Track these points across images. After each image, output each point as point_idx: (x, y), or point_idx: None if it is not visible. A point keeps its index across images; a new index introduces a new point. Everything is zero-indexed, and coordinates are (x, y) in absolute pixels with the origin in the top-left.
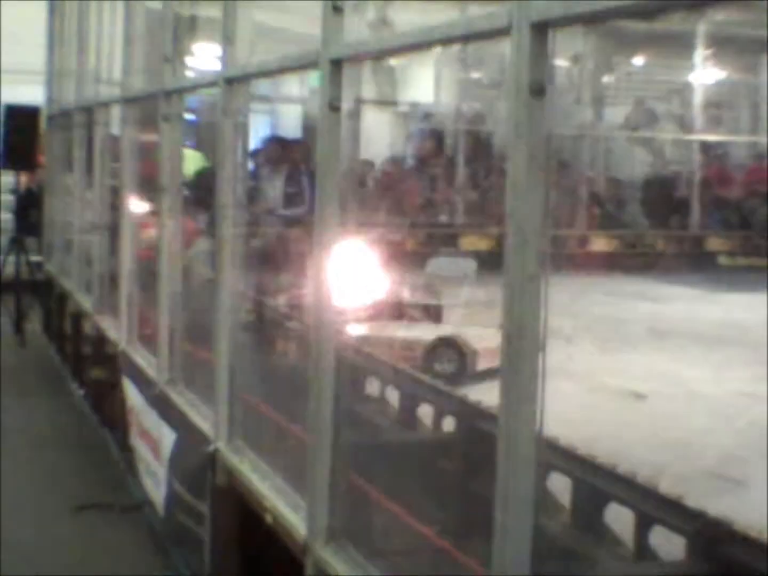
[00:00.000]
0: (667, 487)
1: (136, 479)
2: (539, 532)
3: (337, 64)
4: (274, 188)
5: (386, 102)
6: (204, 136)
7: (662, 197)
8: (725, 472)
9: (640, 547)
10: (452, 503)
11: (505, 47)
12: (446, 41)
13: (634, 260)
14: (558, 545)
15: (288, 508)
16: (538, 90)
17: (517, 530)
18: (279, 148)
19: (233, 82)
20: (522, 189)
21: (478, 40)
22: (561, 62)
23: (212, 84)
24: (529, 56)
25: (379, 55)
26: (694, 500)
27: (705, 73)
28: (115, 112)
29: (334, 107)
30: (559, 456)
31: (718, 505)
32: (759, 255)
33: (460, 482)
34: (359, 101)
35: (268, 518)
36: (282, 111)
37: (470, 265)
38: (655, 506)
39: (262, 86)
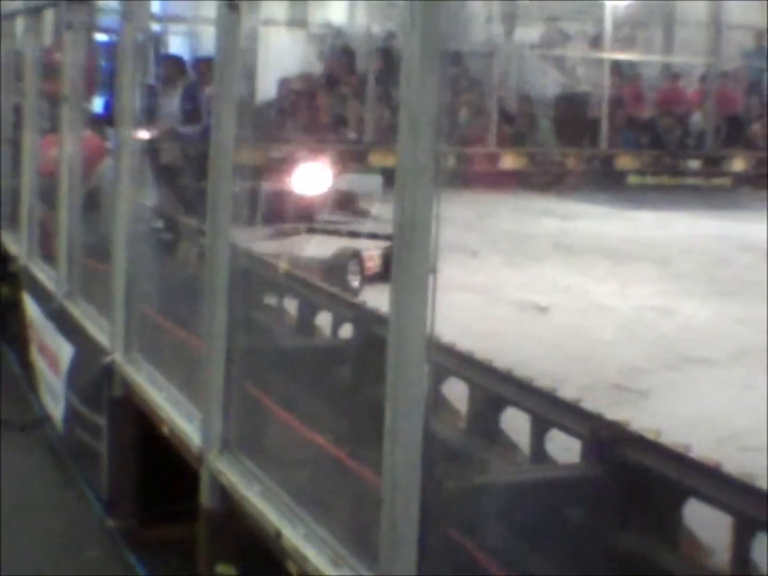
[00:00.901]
0: (568, 398)
1: (37, 396)
2: (432, 437)
3: None
4: (171, 106)
5: (298, 23)
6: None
7: (574, 116)
8: (628, 384)
9: (535, 451)
10: (348, 410)
11: None
12: None
13: (543, 178)
14: (451, 450)
15: (183, 419)
16: None
17: (406, 434)
18: (174, 67)
19: None
20: (416, 77)
21: None
22: None
23: None
24: None
25: None
26: (595, 409)
27: None
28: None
29: (232, 5)
30: (455, 361)
31: (619, 415)
32: (669, 174)
33: (356, 389)
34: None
35: (165, 429)
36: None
37: (377, 181)
38: (552, 409)
39: (180, 6)
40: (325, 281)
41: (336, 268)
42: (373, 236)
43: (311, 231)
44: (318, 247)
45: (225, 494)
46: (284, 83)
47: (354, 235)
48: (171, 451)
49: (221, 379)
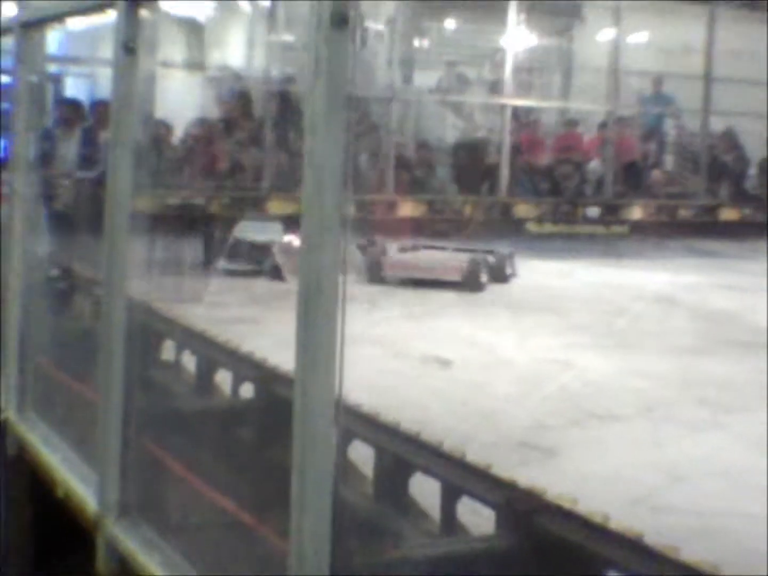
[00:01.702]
0: (474, 456)
1: None
2: (342, 507)
3: (132, 3)
4: (69, 150)
5: (195, 65)
6: None
7: (472, 162)
8: (533, 441)
9: (447, 519)
10: (254, 473)
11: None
12: None
13: (442, 225)
14: (360, 518)
15: (79, 482)
16: (341, 21)
17: (315, 503)
18: (72, 110)
19: (29, 27)
20: (321, 127)
21: None
22: (373, 25)
23: (7, 30)
24: None
25: None
26: (502, 470)
27: (517, 38)
28: None
29: (129, 49)
30: (360, 423)
31: (527, 475)
32: (567, 222)
33: (262, 450)
34: (164, 64)
35: (60, 492)
36: (102, 74)
37: (277, 228)
38: (463, 476)
39: (78, 49)
40: (463, 279)
41: (471, 271)
42: (467, 251)
43: (427, 248)
44: (446, 257)
45: (123, 562)
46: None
47: (458, 250)
48: (66, 516)
49: (118, 440)
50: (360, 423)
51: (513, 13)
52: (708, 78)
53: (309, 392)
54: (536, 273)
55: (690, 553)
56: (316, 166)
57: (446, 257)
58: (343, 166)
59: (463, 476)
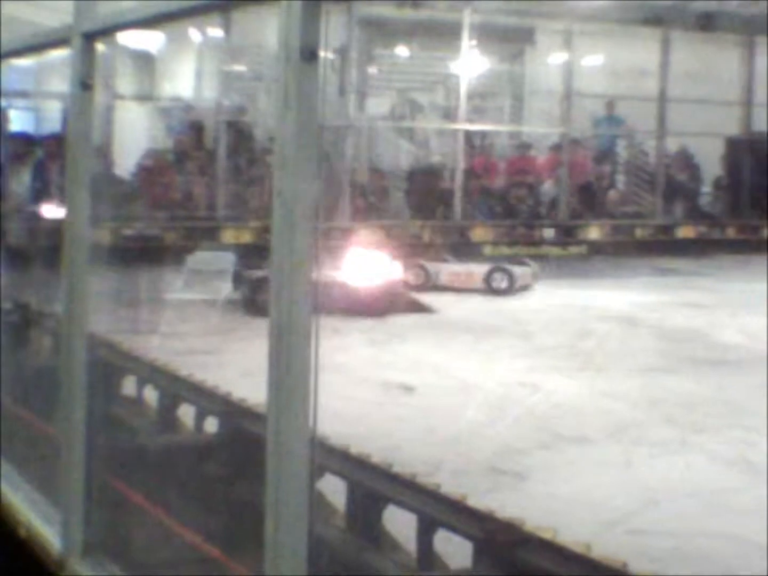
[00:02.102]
0: (445, 484)
1: None
2: (317, 544)
3: (89, 39)
4: (20, 184)
5: (146, 97)
6: None
7: (427, 188)
8: (503, 466)
9: (423, 553)
10: (222, 508)
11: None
12: (202, 10)
13: (399, 251)
14: (334, 553)
15: (42, 521)
16: (310, 55)
17: (290, 542)
18: (23, 144)
19: None
20: (291, 165)
21: (243, 4)
22: (324, 54)
23: None
24: (301, 19)
25: (134, 26)
26: (473, 497)
27: (469, 64)
28: None
29: (86, 85)
30: (331, 456)
31: (499, 501)
32: (523, 244)
33: (231, 485)
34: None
35: (22, 532)
36: (48, 107)
37: (230, 258)
38: (438, 508)
39: (23, 82)
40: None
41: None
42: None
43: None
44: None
45: None
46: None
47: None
48: (30, 556)
49: (81, 478)
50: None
51: (465, 39)
52: (662, 99)
53: (283, 430)
54: (496, 295)
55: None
56: (287, 199)
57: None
58: (313, 200)
59: (439, 508)
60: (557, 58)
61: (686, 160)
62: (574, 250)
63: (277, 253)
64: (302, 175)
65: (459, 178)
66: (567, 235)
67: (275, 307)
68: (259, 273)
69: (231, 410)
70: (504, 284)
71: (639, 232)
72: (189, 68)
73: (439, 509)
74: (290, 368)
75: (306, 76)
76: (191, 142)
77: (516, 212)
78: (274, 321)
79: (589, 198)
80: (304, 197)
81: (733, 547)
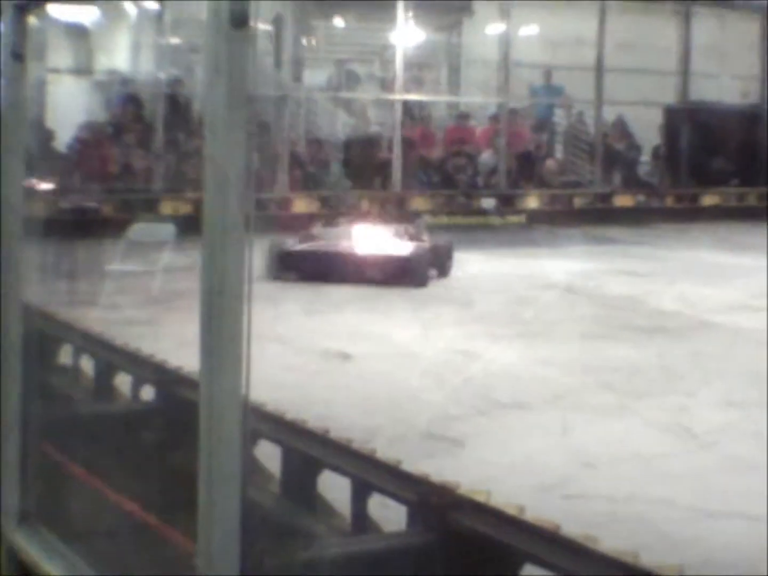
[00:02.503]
0: (382, 450)
1: None
2: (251, 508)
3: (21, 10)
4: None
5: (83, 71)
6: None
7: (365, 158)
8: (440, 432)
9: (357, 517)
10: (159, 475)
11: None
12: None
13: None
14: (270, 520)
15: None
16: (240, 21)
17: (223, 504)
18: None
19: None
20: (222, 131)
21: None
22: (261, 25)
23: None
24: None
25: None
26: (410, 463)
27: (405, 35)
28: None
29: (17, 56)
30: (266, 422)
31: (436, 467)
32: (462, 214)
33: (166, 452)
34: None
35: None
36: None
37: (169, 229)
38: (373, 473)
39: None
40: None
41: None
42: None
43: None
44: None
45: (25, 570)
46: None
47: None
48: None
49: (17, 447)
50: (266, 422)
51: (401, 10)
52: (599, 69)
53: (215, 394)
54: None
55: (605, 539)
56: (218, 166)
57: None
58: (244, 166)
59: (373, 473)
60: (494, 28)
61: (623, 130)
62: (513, 219)
63: (209, 217)
64: (233, 141)
65: (397, 148)
66: (506, 204)
67: (206, 271)
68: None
69: (165, 378)
70: None
71: (577, 201)
72: (125, 41)
73: (373, 474)
74: (222, 333)
75: (236, 43)
76: (129, 115)
77: (455, 182)
78: (204, 286)
79: (528, 167)
80: (235, 163)
81: (666, 510)
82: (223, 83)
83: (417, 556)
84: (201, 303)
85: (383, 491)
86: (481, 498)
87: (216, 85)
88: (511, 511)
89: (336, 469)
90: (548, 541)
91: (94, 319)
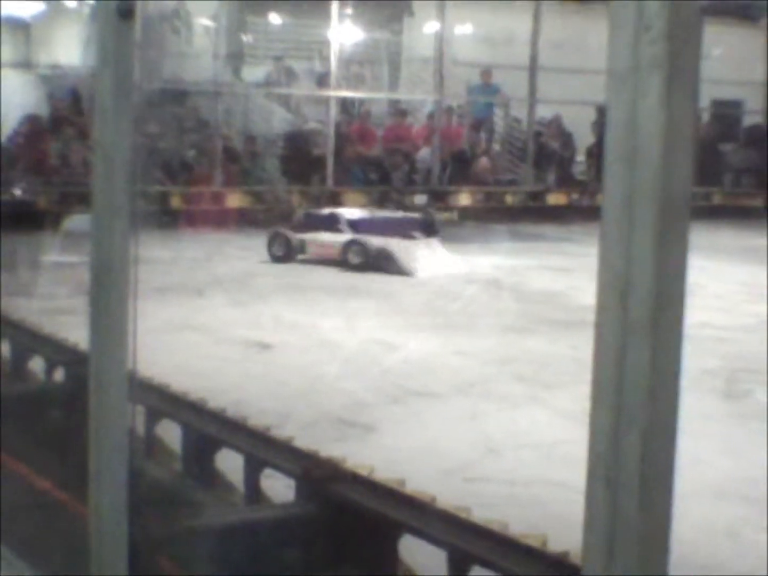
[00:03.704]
0: (293, 434)
1: None
2: (142, 480)
3: None
4: None
5: (23, 65)
6: None
7: (300, 154)
8: (353, 418)
9: (251, 491)
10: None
11: None
12: None
13: (271, 216)
14: (165, 493)
15: None
16: (126, 12)
17: (112, 475)
18: None
19: None
20: (110, 118)
21: None
22: (199, 21)
23: None
24: None
25: None
26: (320, 447)
27: (343, 32)
28: None
29: None
30: (167, 401)
31: (345, 450)
32: (396, 209)
33: (76, 430)
34: None
35: None
36: None
37: None
38: (265, 449)
39: None
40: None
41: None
42: None
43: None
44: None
45: None
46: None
47: None
48: None
49: None
50: (168, 402)
51: (337, 7)
52: (534, 67)
53: (102, 368)
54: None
55: (501, 518)
56: (105, 151)
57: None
58: (131, 153)
59: (266, 449)
60: (432, 27)
61: (559, 129)
62: (444, 215)
63: (97, 199)
64: (120, 127)
65: (331, 144)
66: (439, 201)
67: (95, 252)
68: (298, 236)
69: (76, 359)
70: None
71: (510, 199)
72: (66, 35)
73: (266, 450)
74: (109, 309)
75: (121, 33)
76: (69, 108)
77: (391, 179)
78: (93, 265)
79: (463, 165)
80: (121, 148)
81: (565, 494)
82: (110, 72)
83: (301, 526)
84: (90, 281)
85: (273, 466)
86: (364, 472)
87: (103, 74)
88: (392, 484)
89: (230, 446)
90: (426, 513)
91: (27, 308)
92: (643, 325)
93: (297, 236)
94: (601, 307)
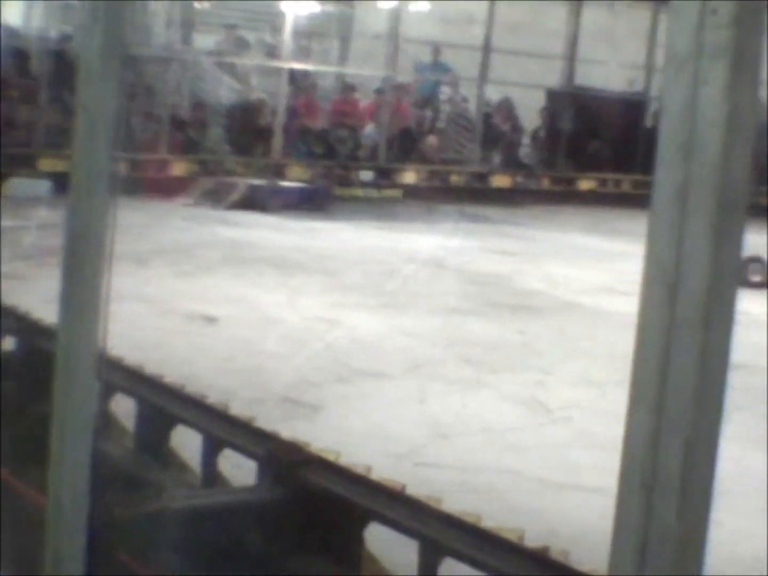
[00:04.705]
0: (238, 412)
1: None
2: (102, 460)
3: None
4: None
5: None
6: None
7: (246, 124)
8: (299, 397)
9: (208, 472)
10: (12, 427)
11: None
12: None
13: (212, 185)
14: (121, 473)
15: None
16: None
17: (74, 454)
18: None
19: None
20: (96, 78)
21: None
22: None
23: None
24: None
25: None
26: (266, 425)
27: (297, 4)
28: None
29: None
30: (123, 376)
31: (291, 429)
32: (340, 185)
33: (21, 405)
34: None
35: None
36: None
37: (45, 185)
38: (225, 428)
39: None
40: None
41: None
42: None
43: None
44: None
45: None
46: None
47: None
48: None
49: None
50: (123, 376)
51: None
52: (487, 48)
53: (72, 344)
54: (308, 233)
55: (452, 505)
56: (89, 113)
57: None
58: (116, 117)
59: (225, 429)
60: (386, 3)
61: (508, 111)
62: (388, 193)
63: (77, 163)
64: (106, 90)
65: (280, 116)
66: (384, 178)
67: (72, 218)
68: None
69: (24, 328)
70: None
71: (454, 178)
72: None
73: (226, 430)
74: (82, 282)
75: None
76: (15, 69)
77: (336, 153)
78: (69, 233)
79: (409, 143)
80: (106, 111)
81: (514, 481)
82: (100, 32)
83: (262, 511)
84: (64, 249)
85: (234, 446)
86: (330, 457)
87: (92, 33)
88: (358, 470)
89: (188, 423)
90: (394, 501)
91: None
92: (692, 324)
93: None
94: (646, 303)
